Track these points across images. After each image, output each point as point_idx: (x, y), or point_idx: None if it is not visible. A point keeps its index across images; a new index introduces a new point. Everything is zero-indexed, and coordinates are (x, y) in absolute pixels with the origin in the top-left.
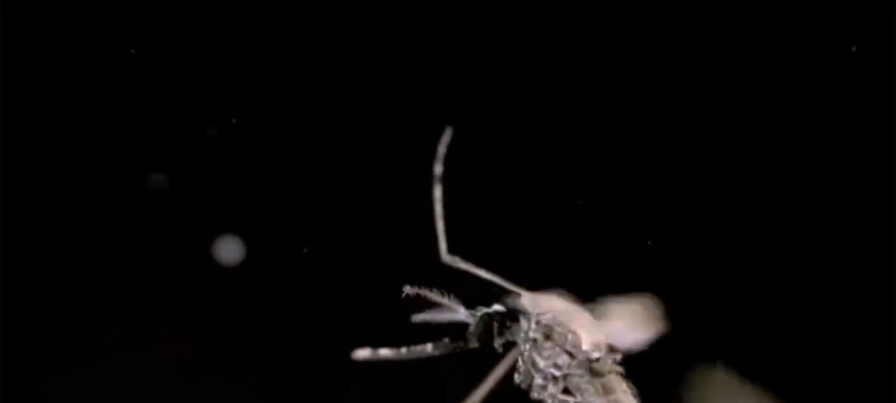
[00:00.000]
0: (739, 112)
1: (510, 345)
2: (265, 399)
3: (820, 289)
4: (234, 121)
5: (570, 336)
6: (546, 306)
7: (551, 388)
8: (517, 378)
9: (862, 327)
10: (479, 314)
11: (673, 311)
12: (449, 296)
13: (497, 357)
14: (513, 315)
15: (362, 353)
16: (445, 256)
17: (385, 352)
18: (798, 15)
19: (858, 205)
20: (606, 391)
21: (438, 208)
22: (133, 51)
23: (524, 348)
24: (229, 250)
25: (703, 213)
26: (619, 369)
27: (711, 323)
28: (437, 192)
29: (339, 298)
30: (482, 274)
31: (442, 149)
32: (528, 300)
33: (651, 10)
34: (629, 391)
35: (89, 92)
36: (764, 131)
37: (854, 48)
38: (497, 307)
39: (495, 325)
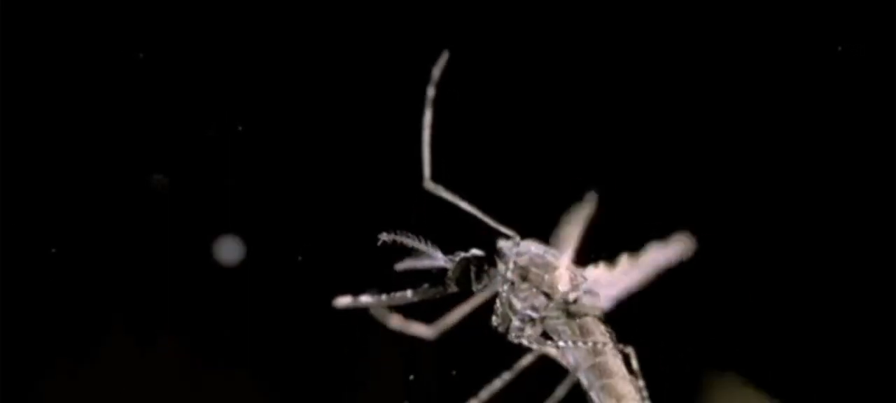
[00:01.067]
0: (740, 111)
1: (488, 289)
2: (265, 398)
3: (820, 289)
4: (239, 128)
5: (546, 278)
6: (523, 248)
7: (529, 330)
8: (495, 320)
9: (862, 327)
10: (457, 258)
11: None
12: (427, 243)
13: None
14: (490, 258)
15: (343, 301)
16: (428, 182)
17: (365, 299)
18: (799, 14)
19: (858, 205)
20: (584, 333)
21: (426, 133)
22: (141, 55)
23: (501, 290)
24: (229, 250)
25: (701, 212)
26: (597, 311)
27: (712, 323)
28: (427, 116)
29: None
30: (463, 204)
31: (436, 73)
32: (505, 243)
33: (654, 8)
34: (607, 334)
35: (89, 92)
36: (764, 131)
37: (840, 48)
38: (474, 251)
39: (473, 269)
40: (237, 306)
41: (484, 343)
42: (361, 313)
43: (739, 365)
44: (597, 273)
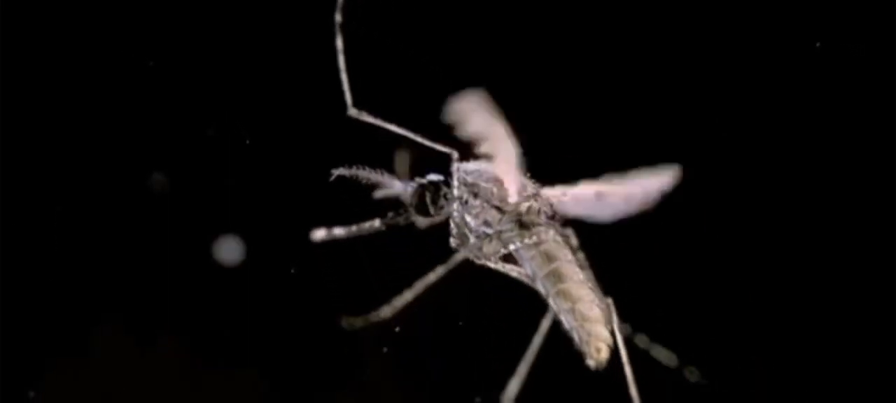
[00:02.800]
0: (740, 111)
1: (447, 214)
2: (264, 398)
3: (820, 289)
4: (247, 141)
5: (495, 192)
6: (471, 166)
7: (487, 248)
8: (453, 242)
9: (862, 327)
10: (414, 185)
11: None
12: (382, 173)
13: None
14: (445, 181)
15: (318, 234)
16: (351, 110)
17: (339, 231)
18: (799, 14)
19: (858, 205)
20: (549, 259)
21: (341, 59)
22: (152, 63)
23: (454, 210)
24: (229, 250)
25: (701, 209)
26: (565, 233)
27: (713, 323)
28: (339, 43)
29: (337, 298)
30: (390, 127)
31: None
32: (454, 163)
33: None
34: (574, 259)
35: (89, 93)
36: (764, 131)
37: (818, 44)
38: (430, 176)
39: (428, 194)
40: (237, 306)
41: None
42: (359, 313)
43: (741, 366)
44: (578, 190)
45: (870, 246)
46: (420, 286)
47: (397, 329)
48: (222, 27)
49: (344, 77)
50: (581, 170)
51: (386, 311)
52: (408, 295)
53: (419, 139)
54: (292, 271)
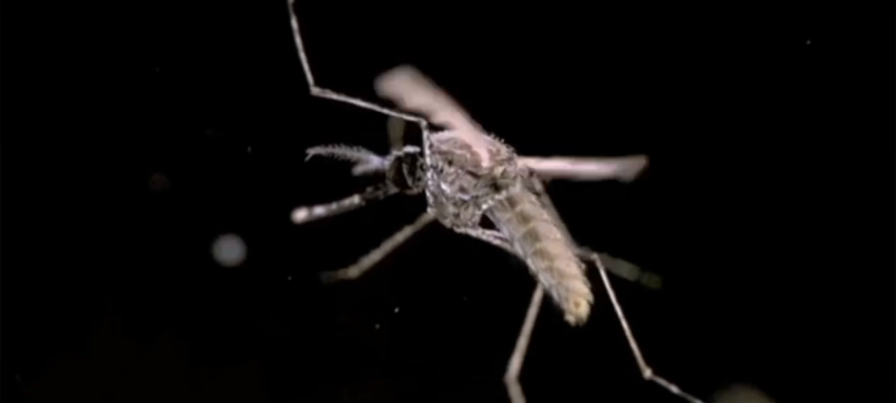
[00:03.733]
0: (740, 110)
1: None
2: (264, 398)
3: (819, 289)
4: (249, 150)
5: (469, 157)
6: (443, 134)
7: (465, 215)
8: (431, 212)
9: (862, 327)
10: (391, 158)
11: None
12: (358, 149)
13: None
14: (421, 152)
15: (300, 215)
16: (314, 89)
17: (319, 210)
18: (799, 13)
19: (858, 205)
20: (525, 219)
21: (298, 40)
22: (158, 69)
23: (430, 179)
24: (229, 250)
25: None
26: (534, 186)
27: (712, 323)
28: (294, 23)
29: (337, 298)
30: (355, 101)
31: None
32: (425, 133)
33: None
34: (550, 218)
35: (89, 93)
36: (764, 131)
37: (809, 42)
38: (407, 148)
39: (405, 166)
40: (237, 306)
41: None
42: (357, 313)
43: (743, 368)
44: (550, 163)
45: (870, 245)
46: (388, 245)
47: (397, 309)
48: (221, 29)
49: (303, 57)
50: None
51: (354, 271)
52: (376, 255)
53: (386, 111)
54: (289, 278)
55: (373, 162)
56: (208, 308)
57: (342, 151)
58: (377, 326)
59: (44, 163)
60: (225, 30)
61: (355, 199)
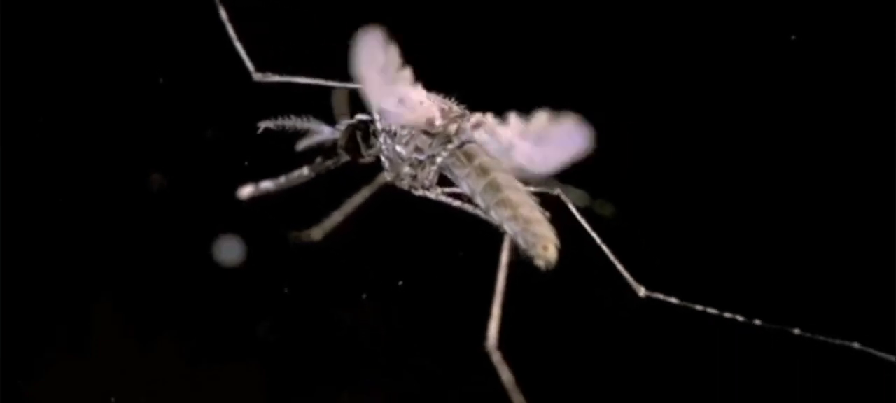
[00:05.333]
0: (740, 110)
1: (377, 153)
2: (264, 397)
3: (820, 286)
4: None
5: (422, 117)
6: (392, 100)
7: (422, 175)
8: (388, 176)
9: (863, 322)
10: (342, 126)
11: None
12: (309, 119)
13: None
14: (373, 119)
15: (246, 190)
16: (256, 75)
17: (266, 184)
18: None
19: (858, 204)
20: (485, 172)
21: (230, 30)
22: (161, 80)
23: (383, 144)
24: (229, 250)
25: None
26: (485, 139)
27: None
28: (223, 15)
29: (337, 298)
30: (299, 80)
31: None
32: (372, 97)
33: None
34: (507, 169)
35: (89, 93)
36: (764, 130)
37: (793, 37)
38: (359, 116)
39: (358, 133)
40: (237, 306)
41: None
42: (357, 312)
43: (742, 367)
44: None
45: (870, 245)
46: (348, 207)
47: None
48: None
49: (238, 46)
50: None
51: (317, 232)
52: (336, 217)
53: (330, 84)
54: (285, 291)
55: (324, 132)
56: (208, 308)
57: (292, 123)
58: (364, 296)
59: (44, 163)
60: (224, 29)
61: (304, 171)
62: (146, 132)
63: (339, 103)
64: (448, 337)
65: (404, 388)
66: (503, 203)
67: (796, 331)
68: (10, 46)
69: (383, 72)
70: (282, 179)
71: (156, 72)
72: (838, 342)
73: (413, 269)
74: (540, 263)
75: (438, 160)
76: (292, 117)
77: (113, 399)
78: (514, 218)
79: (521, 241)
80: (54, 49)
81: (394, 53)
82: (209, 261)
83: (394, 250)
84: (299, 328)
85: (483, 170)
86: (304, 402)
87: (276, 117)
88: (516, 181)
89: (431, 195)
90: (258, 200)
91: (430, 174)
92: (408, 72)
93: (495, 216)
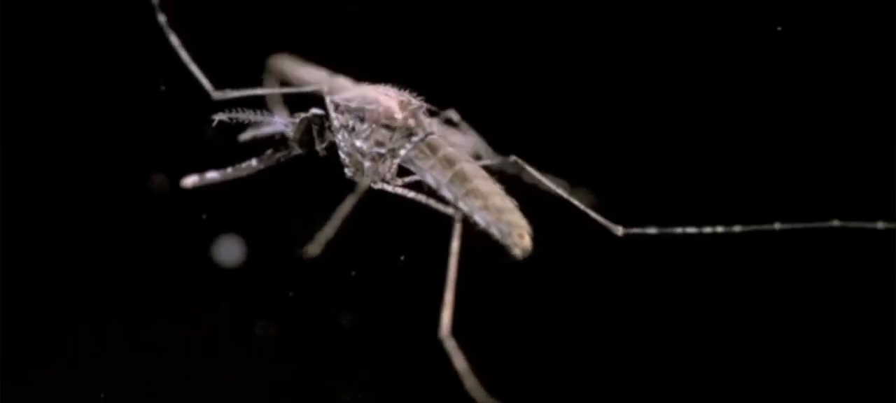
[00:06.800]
0: (740, 110)
1: (332, 146)
2: (264, 397)
3: (819, 290)
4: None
5: (382, 111)
6: (348, 95)
7: (382, 168)
8: (348, 172)
9: (861, 326)
10: (297, 119)
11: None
12: (263, 112)
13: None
14: (326, 115)
15: (190, 180)
16: (215, 94)
17: (212, 175)
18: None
19: (858, 204)
20: (450, 162)
21: (183, 54)
22: (163, 88)
23: (342, 140)
24: (229, 250)
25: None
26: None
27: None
28: (173, 39)
29: (338, 299)
30: (259, 91)
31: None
32: (328, 97)
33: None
34: (471, 160)
35: (89, 93)
36: (763, 131)
37: (779, 28)
38: (315, 110)
39: (314, 127)
40: (237, 306)
41: None
42: (357, 313)
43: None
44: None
45: (869, 246)
46: (337, 219)
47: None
48: (220, 28)
49: (194, 68)
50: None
51: (314, 248)
52: (329, 230)
53: (289, 90)
54: (290, 294)
55: (277, 125)
56: (208, 307)
57: (246, 116)
58: (353, 272)
59: (44, 163)
60: (223, 29)
61: (253, 163)
62: (146, 132)
63: (273, 102)
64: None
65: (404, 388)
66: (472, 193)
67: (777, 226)
68: (10, 46)
69: (331, 80)
70: (229, 170)
71: (156, 72)
72: (816, 225)
73: (413, 269)
74: (516, 252)
75: (402, 153)
76: (246, 110)
77: (102, 396)
78: (486, 208)
79: (495, 231)
80: (55, 50)
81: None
82: (209, 261)
83: (394, 250)
84: (299, 328)
85: (448, 161)
86: (304, 402)
87: (230, 110)
88: (482, 170)
89: (389, 188)
90: (258, 201)
91: (391, 167)
92: (344, 79)
93: (465, 206)
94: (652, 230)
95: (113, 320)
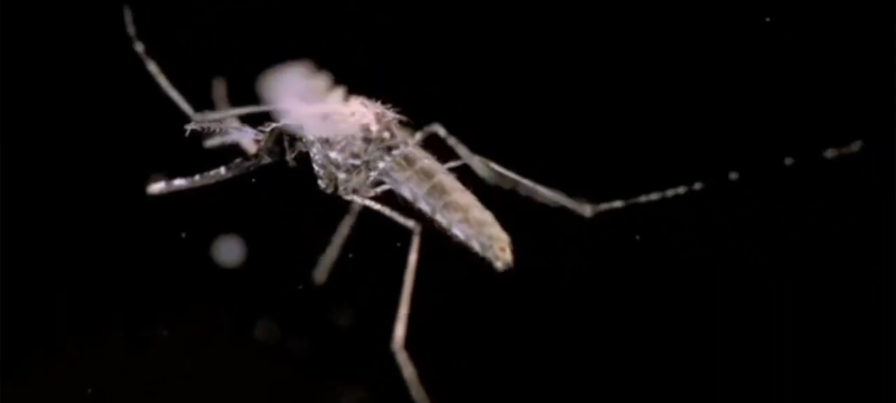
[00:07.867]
0: (740, 111)
1: (302, 156)
2: (264, 396)
3: (819, 290)
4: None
5: (357, 123)
6: (323, 108)
7: (356, 180)
8: (322, 184)
9: (861, 325)
10: (268, 129)
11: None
12: (235, 121)
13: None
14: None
15: (156, 186)
16: (195, 116)
17: (179, 182)
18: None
19: (858, 204)
20: (428, 175)
21: (163, 81)
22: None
23: (315, 152)
24: (229, 250)
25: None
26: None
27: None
28: (152, 67)
29: (339, 298)
30: (238, 110)
31: (131, 29)
32: (307, 108)
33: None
34: (447, 172)
35: (89, 92)
36: (764, 131)
37: (768, 19)
38: (286, 121)
39: (286, 137)
40: (237, 306)
41: None
42: (356, 312)
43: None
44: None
45: (870, 246)
46: (337, 241)
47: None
48: (219, 28)
49: (173, 93)
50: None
51: (321, 274)
52: (332, 254)
53: (266, 108)
54: (300, 287)
55: (247, 134)
56: (208, 307)
57: (217, 124)
58: (350, 256)
59: (44, 163)
60: (224, 29)
61: (221, 170)
62: (146, 132)
63: (218, 93)
64: (448, 337)
65: (404, 387)
66: (452, 206)
67: (733, 176)
68: (10, 46)
69: (304, 97)
70: (196, 178)
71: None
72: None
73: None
74: (498, 264)
75: (380, 165)
76: (217, 119)
77: (89, 390)
78: (466, 220)
79: (475, 244)
80: (55, 49)
81: (318, 81)
82: (209, 261)
83: (392, 250)
84: (299, 328)
85: (426, 174)
86: (304, 402)
87: (202, 120)
88: (459, 183)
89: (358, 198)
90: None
91: (366, 178)
92: (339, 91)
93: (443, 219)
94: (618, 203)
95: (113, 320)
